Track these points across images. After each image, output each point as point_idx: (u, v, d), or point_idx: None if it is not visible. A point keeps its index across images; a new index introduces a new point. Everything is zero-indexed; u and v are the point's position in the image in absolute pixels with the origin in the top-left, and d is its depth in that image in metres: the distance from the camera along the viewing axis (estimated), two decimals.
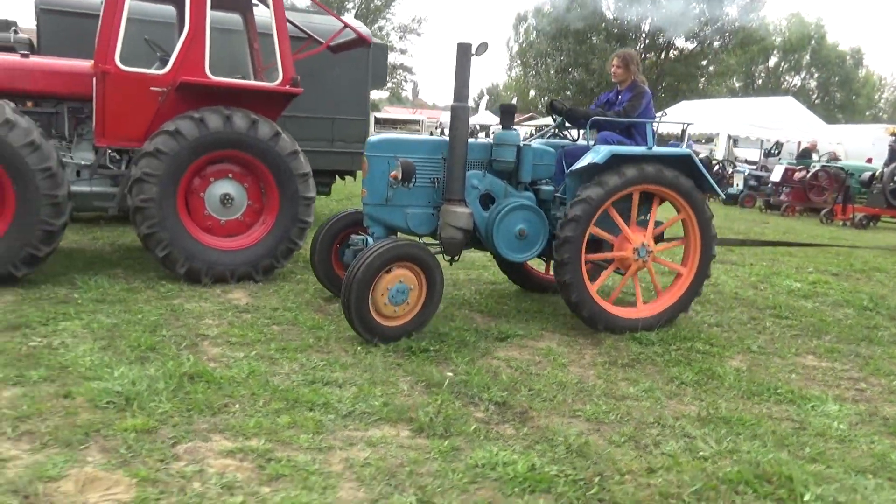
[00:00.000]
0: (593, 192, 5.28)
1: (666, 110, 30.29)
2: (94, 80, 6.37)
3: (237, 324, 5.33)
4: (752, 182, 19.11)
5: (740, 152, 27.44)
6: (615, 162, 5.30)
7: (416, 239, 5.55)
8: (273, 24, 6.77)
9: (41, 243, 5.82)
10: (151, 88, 6.42)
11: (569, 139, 6.37)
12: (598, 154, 5.31)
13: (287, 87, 6.77)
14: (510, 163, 5.55)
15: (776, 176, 17.61)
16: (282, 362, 4.55)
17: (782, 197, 17.54)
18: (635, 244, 5.54)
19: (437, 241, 5.41)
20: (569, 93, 37.53)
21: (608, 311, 5.52)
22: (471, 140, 5.43)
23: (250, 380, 4.19)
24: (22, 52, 6.59)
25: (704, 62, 39.16)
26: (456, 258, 5.51)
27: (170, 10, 8.02)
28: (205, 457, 3.29)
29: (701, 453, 3.65)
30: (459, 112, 5.19)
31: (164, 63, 6.87)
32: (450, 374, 4.50)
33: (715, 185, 5.85)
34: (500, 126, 5.73)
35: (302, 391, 4.07)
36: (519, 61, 49.49)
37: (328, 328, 5.33)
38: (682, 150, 5.73)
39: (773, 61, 61.32)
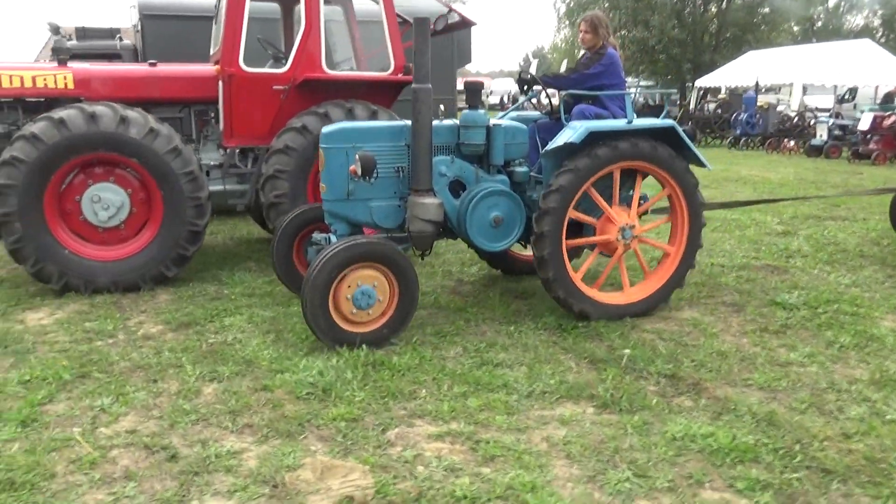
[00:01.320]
0: (581, 162, 4.89)
1: (732, 62, 29.45)
2: (220, 82, 6.59)
3: None
4: (837, 132, 18.47)
5: (809, 100, 26.52)
6: (592, 139, 4.86)
7: (384, 234, 5.16)
8: (383, 13, 6.87)
9: (188, 243, 6.12)
10: (274, 87, 6.61)
11: (541, 112, 5.93)
12: (574, 132, 4.85)
13: (400, 75, 6.88)
14: (479, 145, 5.11)
15: (864, 124, 17.01)
16: (445, 347, 4.72)
17: (871, 145, 16.95)
18: (619, 224, 5.13)
19: (406, 235, 5.01)
20: (629, 52, 36.64)
21: (588, 294, 5.11)
22: (435, 123, 4.97)
23: (426, 365, 4.37)
24: (151, 61, 6.84)
25: (766, 9, 37.69)
26: (427, 253, 5.17)
27: (271, 6, 8.19)
28: (416, 441, 3.48)
29: (889, 417, 3.68)
30: (421, 94, 4.69)
31: (278, 61, 7.07)
32: (627, 351, 4.58)
33: (701, 157, 5.28)
34: (469, 105, 5.24)
35: (477, 374, 4.24)
36: (567, 22, 48.44)
37: (471, 310, 5.48)
38: (665, 121, 5.17)
39: (832, 1, 58.64)
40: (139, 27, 9.55)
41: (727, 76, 27.90)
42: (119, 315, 5.39)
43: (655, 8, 32.80)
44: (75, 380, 4.21)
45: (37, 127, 5.64)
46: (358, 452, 3.38)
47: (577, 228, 5.29)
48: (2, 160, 5.58)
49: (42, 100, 6.35)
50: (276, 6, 8.01)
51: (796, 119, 20.51)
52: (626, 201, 5.36)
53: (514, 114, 5.93)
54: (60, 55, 6.53)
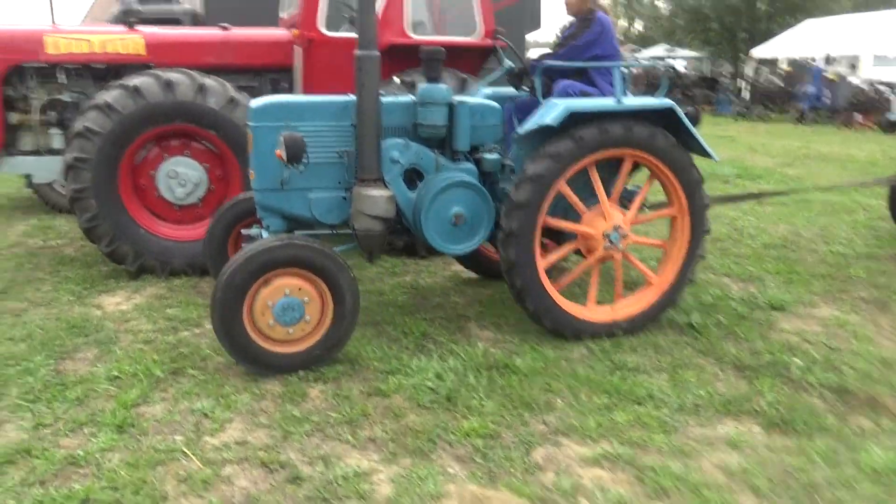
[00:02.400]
0: (562, 147, 4.04)
1: (789, 31, 28.20)
2: (297, 48, 6.11)
3: (486, 302, 5.06)
4: None
5: (877, 72, 25.23)
6: (573, 121, 4.01)
7: (329, 231, 4.47)
8: None
9: None
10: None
11: (523, 89, 4.98)
12: (551, 111, 4.01)
13: (489, 39, 6.33)
14: (440, 127, 4.19)
15: None
16: (567, 346, 4.25)
17: None
18: (605, 227, 4.24)
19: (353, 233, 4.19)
20: (680, 21, 35.33)
21: (563, 307, 4.23)
22: (388, 99, 4.23)
23: (553, 370, 3.91)
24: (222, 24, 6.37)
25: None
26: (377, 255, 4.30)
27: None
28: (568, 465, 3.03)
29: None
30: (366, 63, 3.86)
31: (355, 24, 6.55)
32: (796, 360, 4.05)
33: (706, 146, 4.34)
34: (427, 79, 4.24)
35: (614, 381, 3.77)
36: None
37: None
38: (661, 100, 4.24)
39: None
40: None
41: (784, 46, 26.70)
42: (200, 301, 4.99)
43: None
44: (168, 377, 3.82)
45: (111, 96, 5.23)
46: (505, 478, 2.93)
47: (561, 234, 4.46)
48: (75, 132, 5.20)
49: (110, 66, 5.92)
50: None
51: (871, 92, 19.44)
52: (627, 199, 4.51)
53: (488, 90, 4.93)
54: (130, 18, 6.09)
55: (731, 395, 3.63)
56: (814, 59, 22.06)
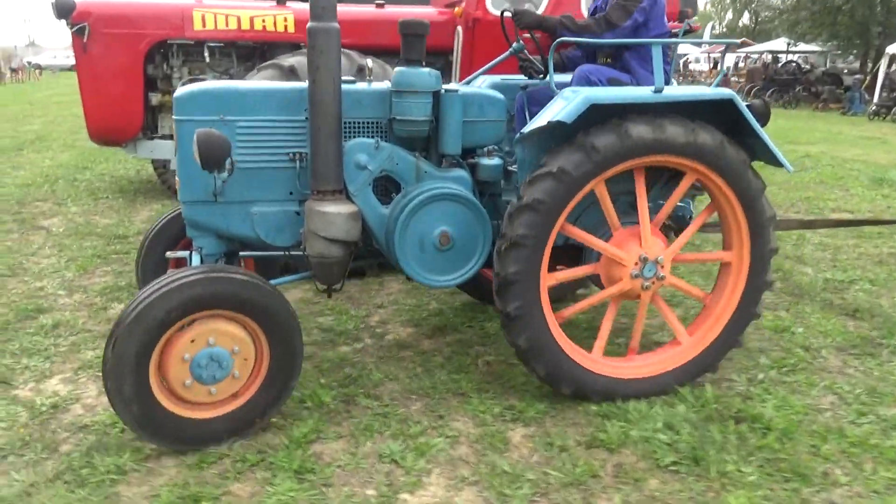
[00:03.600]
0: (569, 160, 3.02)
1: None
2: (459, 28, 5.49)
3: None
4: None
5: None
6: (596, 117, 3.02)
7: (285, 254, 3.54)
8: None
9: None
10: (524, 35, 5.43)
11: (535, 74, 4.04)
12: (566, 104, 3.01)
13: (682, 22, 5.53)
14: (422, 123, 3.26)
15: None
16: (807, 391, 3.45)
17: None
18: (630, 263, 3.26)
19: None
20: (805, 13, 33.06)
21: (581, 363, 3.25)
22: (356, 86, 3.34)
23: (811, 425, 3.11)
24: (377, 2, 5.82)
25: None
26: (336, 287, 3.38)
27: None
28: None
29: None
30: (321, 37, 2.96)
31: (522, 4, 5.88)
32: None
33: (778, 153, 3.24)
34: (405, 60, 3.28)
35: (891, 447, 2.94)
36: None
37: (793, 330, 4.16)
38: (719, 90, 3.18)
39: None
40: None
41: None
42: (354, 311, 4.43)
43: None
44: (339, 406, 3.26)
45: (266, 75, 4.73)
46: None
47: (572, 256, 3.53)
48: None
49: (256, 44, 5.47)
50: None
51: None
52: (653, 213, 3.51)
53: (495, 77, 4.02)
54: None
55: None
56: None
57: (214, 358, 2.83)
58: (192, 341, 2.79)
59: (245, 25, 5.34)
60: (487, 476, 2.74)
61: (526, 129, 3.13)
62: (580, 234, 3.26)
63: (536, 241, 3.04)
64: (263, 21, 5.35)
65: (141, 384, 2.73)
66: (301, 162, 3.24)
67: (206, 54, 5.43)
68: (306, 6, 5.64)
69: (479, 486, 2.69)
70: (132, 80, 5.09)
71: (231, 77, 5.20)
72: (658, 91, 3.10)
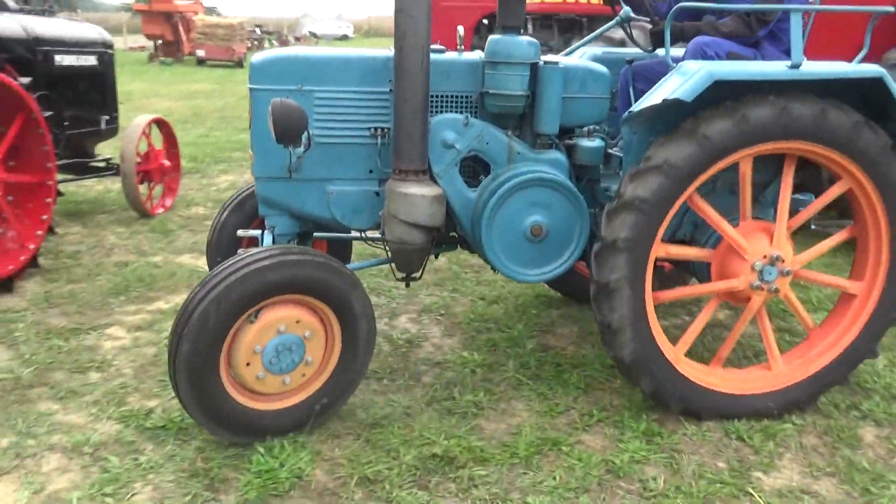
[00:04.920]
0: (677, 153, 2.68)
1: None
2: None
3: None
4: None
5: None
6: (719, 95, 2.65)
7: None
8: None
9: None
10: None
11: (640, 47, 3.67)
12: (684, 79, 2.66)
13: None
14: (518, 98, 2.98)
15: None
16: None
17: None
18: (752, 258, 2.89)
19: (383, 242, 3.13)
20: None
21: (695, 379, 2.96)
22: (446, 56, 3.06)
23: None
24: None
25: None
26: (416, 276, 3.20)
27: None
28: None
29: None
30: (411, 4, 2.70)
31: None
32: None
33: None
34: (501, 28, 3.03)
35: None
36: None
37: None
38: (866, 67, 2.76)
39: None
40: None
41: None
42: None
43: None
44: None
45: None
46: None
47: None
48: None
49: (577, 17, 5.59)
50: None
51: None
52: (767, 210, 3.19)
53: (596, 50, 3.69)
54: None
55: None
56: None
57: (289, 346, 2.73)
58: (270, 326, 2.70)
59: None
60: (845, 470, 2.68)
61: (636, 108, 2.81)
62: (708, 212, 2.92)
63: (640, 245, 2.76)
64: None
65: (212, 371, 2.63)
66: (383, 138, 3.04)
67: (528, 26, 5.67)
68: None
69: (837, 479, 2.65)
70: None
71: (551, 50, 5.38)
72: (795, 66, 2.74)
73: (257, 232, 3.29)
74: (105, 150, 6.27)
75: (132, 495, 2.50)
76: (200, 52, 24.55)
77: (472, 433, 2.91)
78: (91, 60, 5.53)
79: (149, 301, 4.20)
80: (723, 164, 2.76)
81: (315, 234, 3.41)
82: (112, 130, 5.92)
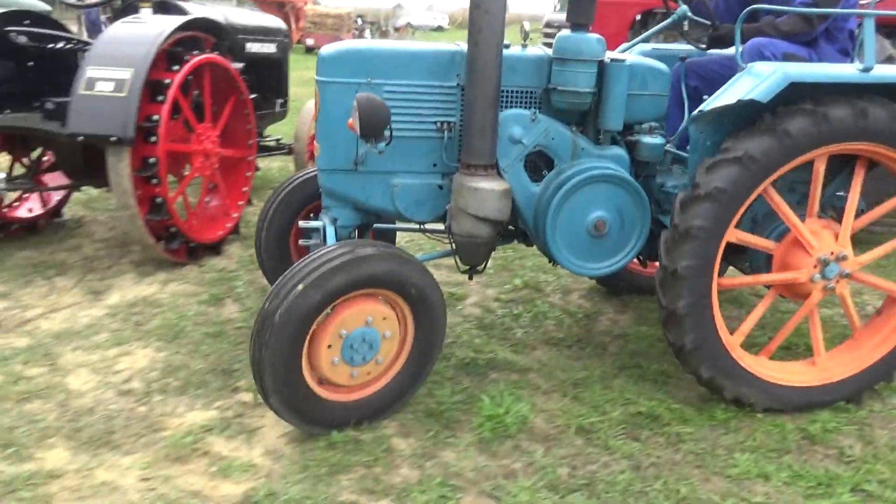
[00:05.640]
0: (757, 146, 2.79)
1: None
2: None
3: None
4: None
5: None
6: (792, 96, 2.76)
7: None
8: None
9: None
10: None
11: (693, 45, 3.73)
12: (760, 80, 2.76)
13: None
14: (585, 95, 3.03)
15: None
16: None
17: None
18: (818, 253, 3.01)
19: (447, 236, 3.18)
20: None
21: (751, 369, 3.07)
22: (513, 51, 3.09)
23: None
24: None
25: None
26: (479, 269, 3.25)
27: None
28: None
29: None
30: (489, 0, 2.74)
31: None
32: None
33: None
34: (568, 25, 3.08)
35: None
36: None
37: None
38: None
39: None
40: None
41: None
42: None
43: None
44: None
45: None
46: None
47: (735, 257, 3.30)
48: None
49: None
50: None
51: None
52: (825, 215, 3.23)
53: (646, 46, 3.82)
54: None
55: None
56: None
57: (367, 339, 2.79)
58: (351, 320, 2.75)
59: None
60: None
61: (706, 106, 2.90)
62: (781, 205, 3.01)
63: (712, 234, 2.84)
64: None
65: (295, 365, 2.68)
66: (449, 132, 3.09)
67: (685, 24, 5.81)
68: None
69: None
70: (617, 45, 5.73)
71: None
72: (867, 70, 2.83)
73: (319, 224, 3.27)
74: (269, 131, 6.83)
75: (384, 428, 2.92)
76: (310, 41, 25.35)
77: (668, 397, 3.20)
78: (272, 48, 6.04)
79: None
80: (800, 161, 2.88)
81: (375, 225, 3.52)
82: (283, 113, 6.43)
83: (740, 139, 2.83)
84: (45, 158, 5.26)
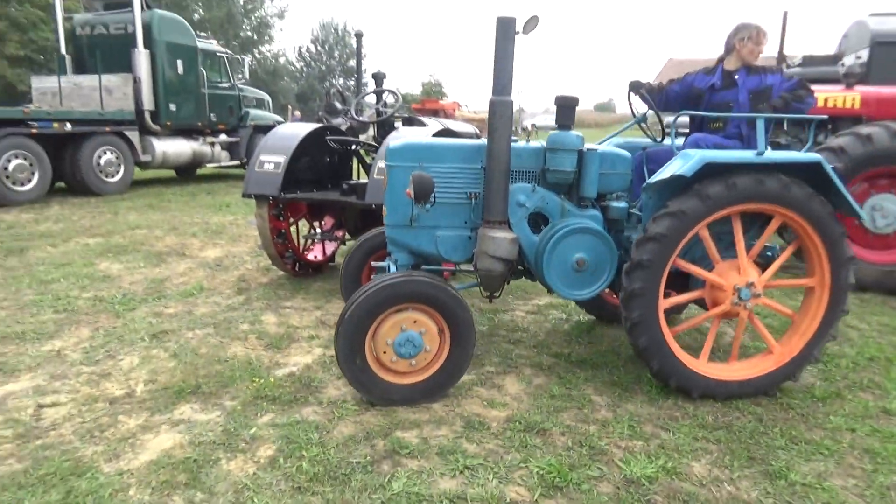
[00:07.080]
0: (686, 204, 3.87)
1: None
2: None
3: None
4: None
5: None
6: (709, 173, 3.86)
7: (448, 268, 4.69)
8: None
9: None
10: None
11: (651, 138, 5.03)
12: (685, 162, 3.87)
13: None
14: (568, 173, 4.24)
15: None
16: None
17: None
18: (737, 282, 4.07)
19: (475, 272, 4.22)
20: None
21: (689, 366, 4.09)
22: (519, 144, 4.27)
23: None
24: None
25: None
26: (497, 295, 4.33)
27: None
28: None
29: None
30: (500, 108, 3.87)
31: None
32: None
33: (854, 204, 4.06)
34: (558, 126, 4.26)
35: None
36: None
37: None
38: (808, 155, 3.98)
39: None
40: (869, 52, 9.86)
41: None
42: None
43: None
44: None
45: (843, 140, 6.40)
46: None
47: (680, 286, 4.38)
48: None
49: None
50: None
51: None
52: (763, 259, 4.36)
53: (618, 139, 5.04)
54: (850, 79, 7.24)
55: None
56: None
57: (410, 339, 3.89)
58: (397, 323, 3.88)
59: (819, 104, 7.07)
60: None
61: (652, 180, 4.04)
62: (690, 268, 4.12)
63: (657, 264, 3.90)
64: (834, 100, 7.02)
65: (361, 352, 3.84)
66: (475, 199, 4.24)
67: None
68: (870, 88, 7.16)
69: None
70: None
71: (800, 142, 6.95)
72: (759, 154, 3.91)
73: (384, 263, 4.48)
74: None
75: (584, 389, 4.35)
76: None
77: None
78: None
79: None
80: (718, 215, 3.91)
81: (423, 266, 4.54)
82: None
83: (676, 199, 3.93)
84: (323, 222, 7.19)
